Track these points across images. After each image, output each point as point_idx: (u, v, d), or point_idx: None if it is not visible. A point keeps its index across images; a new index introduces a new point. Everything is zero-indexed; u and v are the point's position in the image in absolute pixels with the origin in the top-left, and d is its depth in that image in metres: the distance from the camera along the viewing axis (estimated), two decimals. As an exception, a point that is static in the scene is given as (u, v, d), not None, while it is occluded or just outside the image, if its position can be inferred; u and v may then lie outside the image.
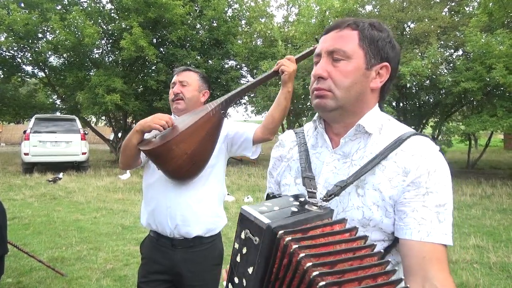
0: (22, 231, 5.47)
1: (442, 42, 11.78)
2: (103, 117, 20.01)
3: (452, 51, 12.48)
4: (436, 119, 13.72)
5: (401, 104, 13.26)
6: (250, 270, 0.79)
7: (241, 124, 2.02)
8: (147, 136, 1.82)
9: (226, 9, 15.96)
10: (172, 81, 1.99)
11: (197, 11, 15.68)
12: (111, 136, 18.14)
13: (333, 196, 0.89)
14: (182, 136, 1.67)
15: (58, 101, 17.45)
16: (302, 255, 0.70)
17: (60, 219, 6.15)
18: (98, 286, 3.65)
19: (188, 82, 1.95)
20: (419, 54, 11.08)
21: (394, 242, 0.93)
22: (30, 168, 11.52)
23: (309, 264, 0.68)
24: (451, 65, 11.81)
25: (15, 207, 6.92)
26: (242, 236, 0.82)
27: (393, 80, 1.01)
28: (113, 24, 14.48)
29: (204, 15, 14.85)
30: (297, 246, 0.71)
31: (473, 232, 5.52)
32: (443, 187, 0.89)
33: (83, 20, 12.44)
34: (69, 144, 11.69)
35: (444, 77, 10.44)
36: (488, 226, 5.93)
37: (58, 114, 16.14)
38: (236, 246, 0.85)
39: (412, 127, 11.05)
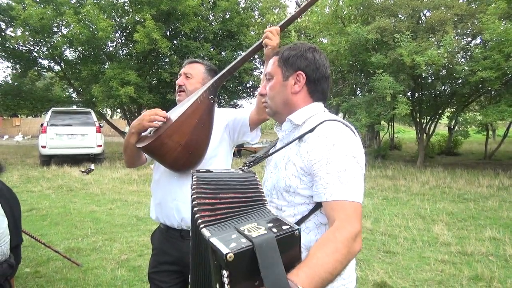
0: (40, 222, 5.60)
1: (459, 30, 11.50)
2: (118, 110, 20.23)
3: (469, 39, 12.17)
4: (452, 109, 13.46)
5: (416, 94, 13.04)
6: None
7: (238, 110, 2.02)
8: (144, 132, 1.83)
9: (239, 0, 15.86)
10: (179, 72, 2.01)
11: (210, 2, 15.63)
12: (126, 129, 18.32)
13: (251, 163, 1.28)
14: (173, 128, 1.67)
15: (74, 94, 17.68)
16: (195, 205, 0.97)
17: (76, 211, 6.28)
18: (113, 276, 3.72)
19: (192, 75, 1.96)
20: (435, 43, 10.84)
21: (317, 206, 1.18)
22: (47, 160, 11.76)
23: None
24: (468, 54, 11.53)
25: (33, 199, 7.09)
26: None
27: (322, 80, 1.30)
28: (126, 17, 14.54)
29: (218, 6, 14.81)
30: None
31: (489, 224, 5.44)
32: (343, 156, 1.12)
33: (97, 13, 12.53)
34: (85, 137, 11.90)
35: (460, 66, 10.21)
36: (505, 218, 5.82)
37: (74, 107, 16.35)
38: None
39: (428, 117, 10.86)
